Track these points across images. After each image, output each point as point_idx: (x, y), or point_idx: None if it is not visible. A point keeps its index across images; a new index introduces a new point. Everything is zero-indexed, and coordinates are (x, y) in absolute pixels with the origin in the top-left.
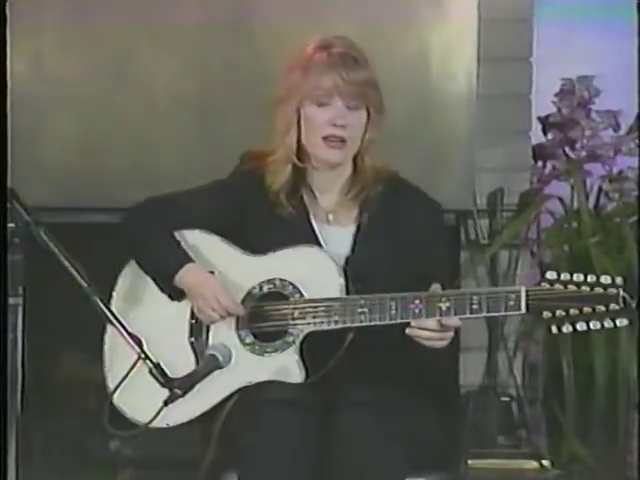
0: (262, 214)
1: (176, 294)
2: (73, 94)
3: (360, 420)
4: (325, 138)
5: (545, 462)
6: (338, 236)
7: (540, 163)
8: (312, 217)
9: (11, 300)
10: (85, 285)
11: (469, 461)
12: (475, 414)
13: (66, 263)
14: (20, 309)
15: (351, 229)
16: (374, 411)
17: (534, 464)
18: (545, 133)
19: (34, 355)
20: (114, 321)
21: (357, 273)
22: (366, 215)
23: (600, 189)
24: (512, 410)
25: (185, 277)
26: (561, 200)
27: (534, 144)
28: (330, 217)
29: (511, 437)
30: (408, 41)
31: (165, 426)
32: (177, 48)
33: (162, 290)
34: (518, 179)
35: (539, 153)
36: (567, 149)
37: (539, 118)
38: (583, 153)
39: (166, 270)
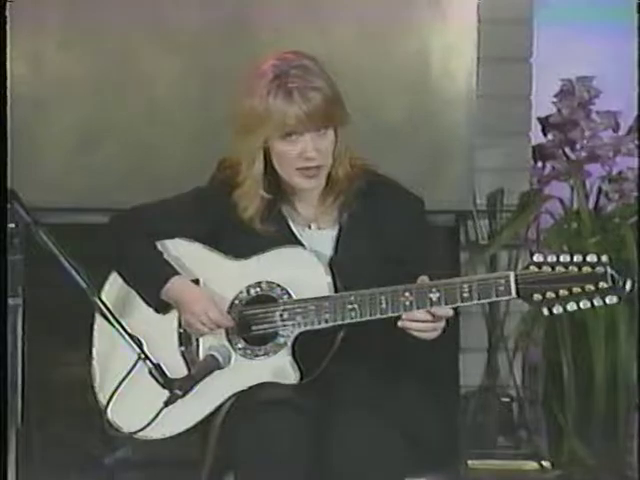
0: (241, 223)
1: (162, 307)
2: (73, 94)
3: (358, 420)
4: (299, 169)
5: (545, 463)
6: (320, 239)
7: (540, 164)
8: (291, 224)
9: (11, 301)
10: (85, 286)
11: (469, 462)
12: (475, 415)
13: (66, 264)
14: (20, 310)
15: (333, 231)
16: (371, 410)
17: (534, 465)
18: (545, 134)
19: (34, 355)
20: (114, 322)
21: (341, 273)
22: (345, 216)
23: (600, 190)
24: (512, 411)
25: (171, 291)
26: (561, 201)
27: (534, 145)
28: (312, 226)
29: (511, 438)
30: (408, 42)
31: (161, 437)
32: (177, 49)
33: (148, 304)
34: (518, 180)
35: (539, 154)
36: (567, 150)
37: (539, 119)
38: (583, 154)
39: (152, 285)
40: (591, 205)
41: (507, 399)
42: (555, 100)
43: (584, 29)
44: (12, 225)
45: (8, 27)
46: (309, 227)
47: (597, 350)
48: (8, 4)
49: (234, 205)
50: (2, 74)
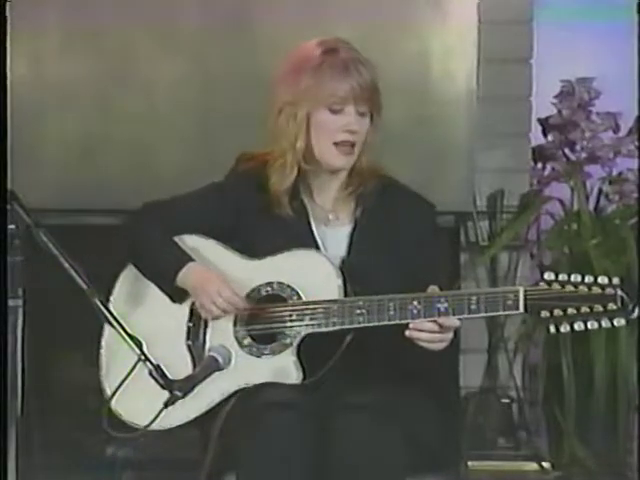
0: (259, 216)
1: (178, 295)
2: (73, 96)
3: (359, 422)
4: (337, 143)
5: (545, 464)
6: (335, 237)
7: (540, 165)
8: (311, 218)
9: (11, 302)
10: (85, 287)
11: (469, 463)
12: (475, 416)
13: (66, 265)
14: (20, 311)
15: (347, 229)
16: (373, 413)
17: (534, 466)
18: (545, 135)
19: (34, 356)
20: (114, 323)
21: (353, 274)
22: (360, 211)
23: (600, 191)
24: (512, 412)
25: (187, 276)
26: (561, 202)
27: (534, 146)
28: (330, 217)
29: (511, 439)
30: (408, 43)
31: (161, 428)
32: (177, 50)
33: (164, 292)
34: (518, 181)
35: (539, 155)
36: (567, 151)
37: (539, 120)
38: (583, 155)
39: (168, 271)
40: (591, 206)
41: (507, 400)
42: (555, 101)
43: (584, 29)
44: (12, 226)
45: (8, 27)
46: (325, 224)
47: (597, 351)
48: (8, 4)
49: (252, 198)
50: (2, 74)
